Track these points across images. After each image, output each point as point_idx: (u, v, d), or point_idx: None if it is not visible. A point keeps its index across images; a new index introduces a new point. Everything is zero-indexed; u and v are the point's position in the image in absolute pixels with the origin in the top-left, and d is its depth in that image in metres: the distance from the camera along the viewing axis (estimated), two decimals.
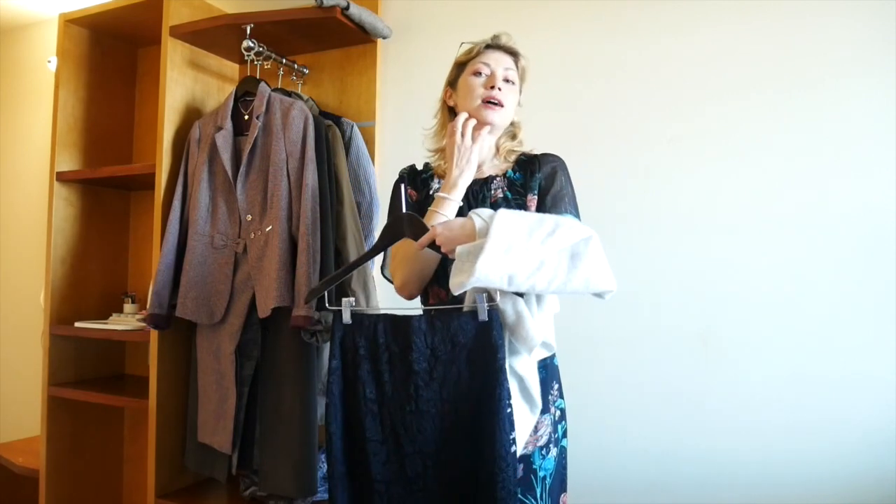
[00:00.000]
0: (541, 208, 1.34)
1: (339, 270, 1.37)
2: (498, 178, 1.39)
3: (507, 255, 1.12)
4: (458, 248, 1.16)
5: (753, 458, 1.69)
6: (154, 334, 2.02)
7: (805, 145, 1.68)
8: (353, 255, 1.86)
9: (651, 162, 1.83)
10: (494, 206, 1.34)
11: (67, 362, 2.31)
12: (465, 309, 1.23)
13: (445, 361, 1.21)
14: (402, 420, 1.22)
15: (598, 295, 1.19)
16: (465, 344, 1.21)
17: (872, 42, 1.63)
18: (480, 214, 1.20)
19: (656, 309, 1.81)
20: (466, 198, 1.37)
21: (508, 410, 1.17)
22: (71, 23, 2.31)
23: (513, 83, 1.39)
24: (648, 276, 1.80)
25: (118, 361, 2.51)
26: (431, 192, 1.42)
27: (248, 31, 1.99)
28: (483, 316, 1.19)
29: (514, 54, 1.41)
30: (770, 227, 1.70)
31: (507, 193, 1.37)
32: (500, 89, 1.35)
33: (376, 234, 2.03)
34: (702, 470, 1.73)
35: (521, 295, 1.21)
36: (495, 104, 1.35)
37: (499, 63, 1.37)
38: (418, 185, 1.46)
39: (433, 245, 1.22)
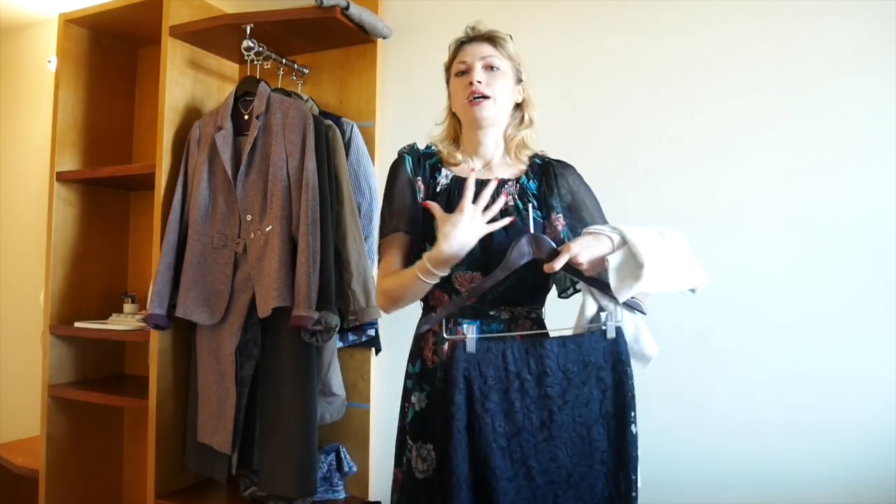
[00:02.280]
0: (578, 224, 1.32)
1: (459, 297, 1.24)
2: (509, 183, 1.33)
3: (655, 259, 1.15)
4: (610, 258, 1.16)
5: (753, 458, 1.69)
6: (154, 334, 2.02)
7: (805, 144, 1.68)
8: (353, 256, 1.86)
9: (651, 161, 1.83)
10: (505, 213, 1.27)
11: (67, 362, 2.30)
12: (576, 330, 1.22)
13: (578, 383, 1.19)
14: (535, 450, 1.15)
15: (693, 291, 1.26)
16: (594, 363, 1.20)
17: (872, 42, 1.63)
18: (601, 230, 1.20)
19: (656, 309, 1.80)
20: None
21: (635, 429, 1.20)
22: (71, 23, 2.31)
23: (497, 68, 1.31)
24: None
25: (118, 361, 2.51)
26: (439, 189, 1.34)
27: (248, 31, 1.99)
28: (612, 333, 1.20)
29: (491, 40, 1.32)
30: (770, 226, 1.70)
31: (518, 202, 1.31)
32: (479, 82, 1.28)
33: (377, 234, 2.01)
34: (702, 470, 1.73)
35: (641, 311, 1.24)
36: (480, 98, 1.29)
37: (475, 56, 1.31)
38: (426, 173, 1.36)
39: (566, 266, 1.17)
